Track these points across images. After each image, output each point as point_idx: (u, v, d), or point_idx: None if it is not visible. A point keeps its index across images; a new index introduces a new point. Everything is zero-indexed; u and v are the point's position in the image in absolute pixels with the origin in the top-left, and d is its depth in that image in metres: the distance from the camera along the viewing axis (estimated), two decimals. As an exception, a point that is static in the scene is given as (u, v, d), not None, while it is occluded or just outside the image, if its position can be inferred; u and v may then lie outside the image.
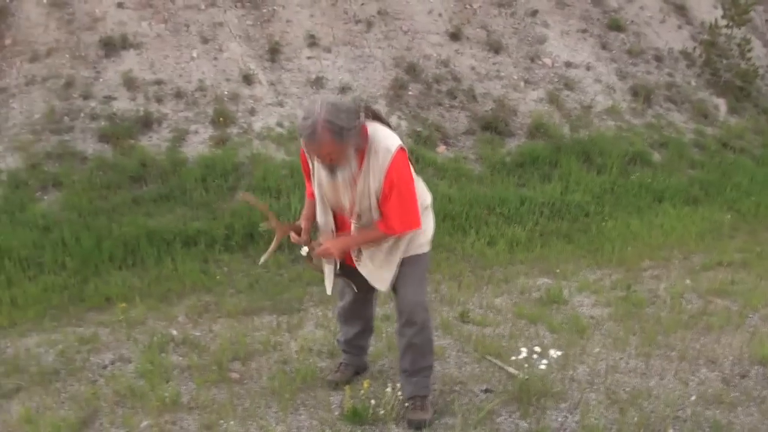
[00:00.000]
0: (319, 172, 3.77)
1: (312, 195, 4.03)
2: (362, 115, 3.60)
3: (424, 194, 3.98)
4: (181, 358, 4.89)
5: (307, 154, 3.81)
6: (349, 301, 4.29)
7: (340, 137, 3.43)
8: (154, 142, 8.72)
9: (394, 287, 3.99)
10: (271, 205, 7.66)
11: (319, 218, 4.00)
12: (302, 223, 4.17)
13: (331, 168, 3.61)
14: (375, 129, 3.66)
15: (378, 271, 3.95)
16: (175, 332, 5.34)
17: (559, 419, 4.03)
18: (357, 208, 3.75)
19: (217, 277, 6.65)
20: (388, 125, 3.78)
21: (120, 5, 10.19)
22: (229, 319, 5.67)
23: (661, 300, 6.16)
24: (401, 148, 3.65)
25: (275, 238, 4.15)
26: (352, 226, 3.85)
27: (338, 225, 3.99)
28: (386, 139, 3.64)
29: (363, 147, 3.61)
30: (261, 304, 5.99)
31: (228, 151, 8.62)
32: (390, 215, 3.70)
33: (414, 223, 3.76)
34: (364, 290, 4.13)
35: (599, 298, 6.20)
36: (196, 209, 7.73)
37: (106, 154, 8.44)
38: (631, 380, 4.56)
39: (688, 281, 6.66)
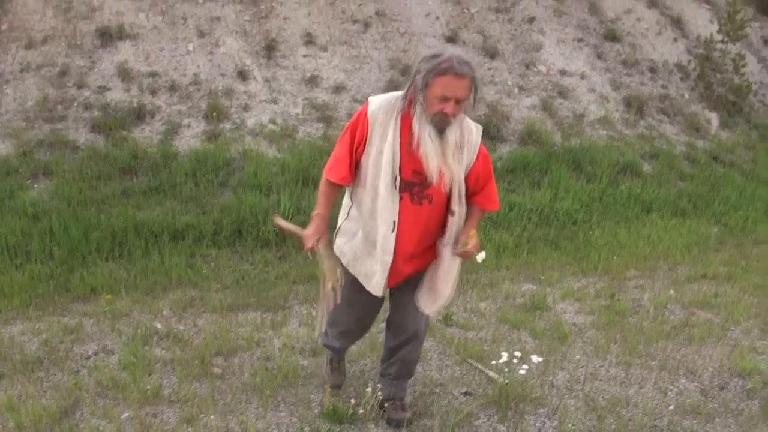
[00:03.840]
0: (394, 141, 3.39)
1: (345, 179, 3.54)
2: None
3: None
4: (164, 352, 4.89)
5: (386, 117, 3.40)
6: (361, 322, 3.94)
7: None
8: (147, 135, 8.73)
9: (404, 298, 3.77)
10: (260, 201, 7.69)
11: (378, 206, 3.49)
12: (320, 221, 3.63)
13: (443, 126, 3.30)
14: None
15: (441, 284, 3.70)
16: (159, 325, 5.34)
17: (537, 424, 4.05)
18: (452, 182, 3.46)
19: (204, 272, 6.67)
20: None
21: (118, -4, 10.22)
22: (213, 315, 5.68)
23: (645, 310, 6.19)
24: None
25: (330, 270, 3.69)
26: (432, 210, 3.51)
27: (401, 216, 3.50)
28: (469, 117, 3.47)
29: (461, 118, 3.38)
30: (246, 301, 6.00)
31: (220, 146, 8.64)
32: (493, 192, 3.65)
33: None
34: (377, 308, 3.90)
35: (583, 306, 6.23)
36: (186, 203, 7.75)
37: (97, 145, 8.45)
38: (610, 388, 4.58)
39: (672, 292, 6.69)
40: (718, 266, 7.70)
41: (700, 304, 6.39)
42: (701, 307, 6.30)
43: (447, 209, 3.57)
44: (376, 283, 3.60)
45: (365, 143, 3.44)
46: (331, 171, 3.53)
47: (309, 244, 3.58)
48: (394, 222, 3.46)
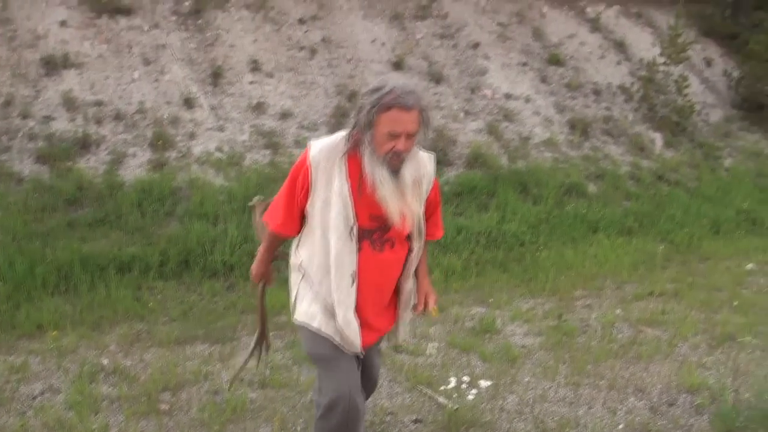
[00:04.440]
0: (342, 187, 3.08)
1: (280, 227, 3.28)
2: None
3: None
4: (110, 389, 4.81)
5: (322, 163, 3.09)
6: (352, 389, 3.22)
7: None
8: (92, 165, 8.61)
9: (371, 352, 3.49)
10: (207, 230, 7.63)
11: (332, 261, 3.14)
12: (262, 265, 3.53)
13: (396, 165, 3.03)
14: None
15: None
16: (105, 361, 5.25)
17: (487, 450, 4.08)
18: (414, 221, 3.20)
19: (150, 305, 6.57)
20: None
21: (63, 24, 10.12)
22: (160, 348, 5.59)
23: (592, 329, 6.26)
24: None
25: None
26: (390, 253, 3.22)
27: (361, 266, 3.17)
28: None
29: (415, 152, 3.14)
30: (194, 333, 5.93)
31: (166, 175, 8.55)
32: (439, 219, 3.45)
33: None
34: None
35: (531, 327, 6.28)
36: (132, 234, 7.63)
37: (42, 176, 8.30)
38: (559, 409, 4.62)
39: (619, 311, 6.78)
40: (665, 283, 7.82)
41: (647, 321, 6.48)
42: (649, 325, 6.39)
43: (407, 248, 3.30)
44: (353, 341, 3.17)
45: (307, 192, 3.14)
46: (267, 215, 3.33)
47: (255, 281, 3.56)
48: (353, 274, 3.12)
